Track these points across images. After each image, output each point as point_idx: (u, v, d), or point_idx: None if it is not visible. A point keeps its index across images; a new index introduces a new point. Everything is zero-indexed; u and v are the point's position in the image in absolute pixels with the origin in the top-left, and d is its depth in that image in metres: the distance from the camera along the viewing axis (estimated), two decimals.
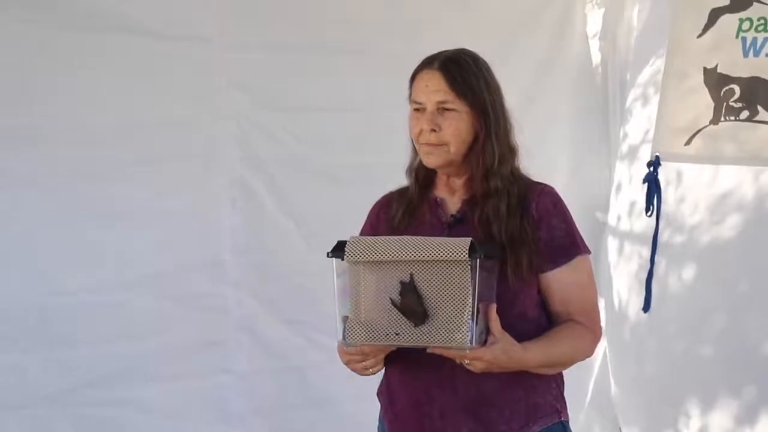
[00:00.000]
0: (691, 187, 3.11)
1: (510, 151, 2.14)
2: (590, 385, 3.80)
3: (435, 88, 2.07)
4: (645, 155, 3.12)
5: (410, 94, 2.14)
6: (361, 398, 3.17)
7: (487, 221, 2.08)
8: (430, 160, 2.11)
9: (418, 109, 2.10)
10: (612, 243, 3.57)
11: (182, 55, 3.28)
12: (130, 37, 3.20)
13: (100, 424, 3.26)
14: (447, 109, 2.07)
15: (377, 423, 2.31)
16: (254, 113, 3.41)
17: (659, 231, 3.00)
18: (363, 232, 2.28)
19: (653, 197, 2.98)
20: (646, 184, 2.97)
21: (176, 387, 3.34)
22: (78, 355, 3.21)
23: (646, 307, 3.05)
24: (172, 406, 3.34)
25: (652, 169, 2.95)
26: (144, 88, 3.24)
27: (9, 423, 3.13)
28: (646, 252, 3.12)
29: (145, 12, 3.22)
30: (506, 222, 2.06)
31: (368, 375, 2.07)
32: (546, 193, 2.13)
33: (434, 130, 2.07)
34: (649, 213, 3.00)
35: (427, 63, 2.12)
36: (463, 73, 2.08)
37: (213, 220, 3.40)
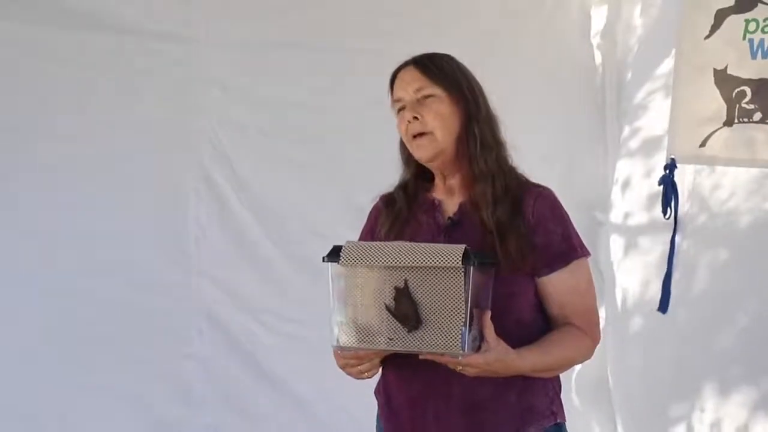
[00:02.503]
0: (725, 174, 3.06)
1: (495, 142, 2.15)
2: (570, 385, 3.78)
3: (410, 79, 2.12)
4: (649, 153, 3.11)
5: (391, 100, 2.18)
6: (314, 379, 3.44)
7: (478, 207, 2.10)
8: (420, 153, 2.13)
9: (401, 108, 2.14)
10: (616, 241, 3.56)
11: (157, 51, 3.39)
12: (104, 35, 3.32)
13: (66, 408, 3.36)
14: (426, 96, 2.10)
15: (375, 422, 2.30)
16: (226, 108, 3.52)
17: (676, 232, 3.01)
18: (362, 235, 2.31)
19: (670, 199, 2.99)
20: (662, 186, 2.98)
21: (139, 371, 3.44)
22: (43, 340, 3.32)
23: (664, 308, 3.04)
24: (135, 390, 3.44)
25: (667, 171, 2.96)
26: (118, 85, 3.37)
27: None
28: (652, 249, 3.12)
29: (121, 10, 3.34)
30: (493, 208, 2.07)
31: (364, 378, 2.09)
32: (544, 196, 2.13)
33: (416, 118, 2.10)
34: (667, 216, 3.00)
35: (402, 64, 2.18)
36: (437, 62, 2.14)
37: (179, 212, 3.51)
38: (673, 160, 2.93)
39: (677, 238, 3.01)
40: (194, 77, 3.46)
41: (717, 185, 3.06)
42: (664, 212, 3.00)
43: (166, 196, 3.49)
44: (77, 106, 3.34)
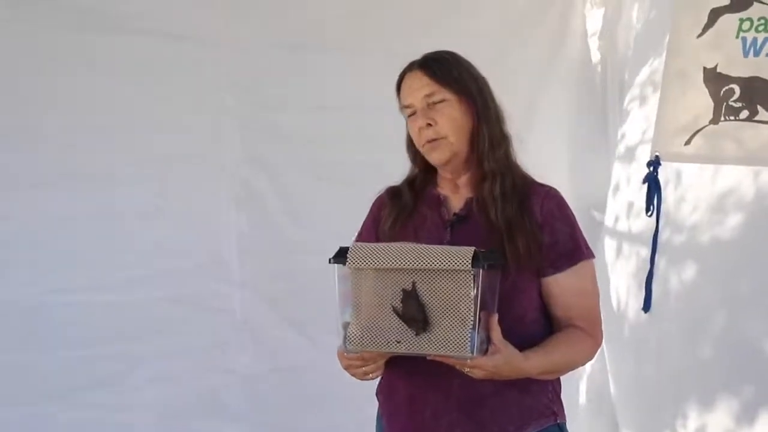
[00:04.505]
0: (691, 187, 3.08)
1: (503, 137, 2.15)
2: (580, 385, 3.80)
3: (419, 85, 2.10)
4: (642, 156, 3.10)
5: (399, 104, 2.15)
6: (361, 399, 3.25)
7: (485, 205, 2.08)
8: (435, 156, 2.12)
9: (411, 114, 2.12)
10: (609, 243, 3.56)
11: (185, 55, 3.31)
12: (132, 38, 3.23)
13: (100, 423, 3.28)
14: (436, 102, 2.08)
15: (375, 422, 2.30)
16: (257, 113, 3.44)
17: (659, 231, 3.01)
18: (365, 226, 2.28)
19: (653, 197, 2.99)
20: (646, 184, 2.98)
21: (179, 386, 3.37)
22: (80, 354, 3.24)
23: (646, 307, 3.06)
24: (173, 405, 3.37)
25: (651, 169, 2.96)
26: (147, 88, 3.27)
27: (9, 421, 3.16)
28: (644, 252, 3.11)
29: (147, 12, 3.25)
30: (502, 205, 2.06)
31: (368, 380, 2.07)
32: (552, 196, 2.13)
33: (430, 124, 2.08)
34: (649, 213, 3.00)
35: (408, 68, 2.15)
36: (443, 65, 2.11)
37: (218, 221, 3.43)
38: (657, 157, 2.94)
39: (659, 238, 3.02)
40: (217, 80, 3.39)
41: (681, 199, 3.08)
42: (647, 210, 3.01)
43: (202, 204, 3.40)
44: (107, 110, 3.24)
